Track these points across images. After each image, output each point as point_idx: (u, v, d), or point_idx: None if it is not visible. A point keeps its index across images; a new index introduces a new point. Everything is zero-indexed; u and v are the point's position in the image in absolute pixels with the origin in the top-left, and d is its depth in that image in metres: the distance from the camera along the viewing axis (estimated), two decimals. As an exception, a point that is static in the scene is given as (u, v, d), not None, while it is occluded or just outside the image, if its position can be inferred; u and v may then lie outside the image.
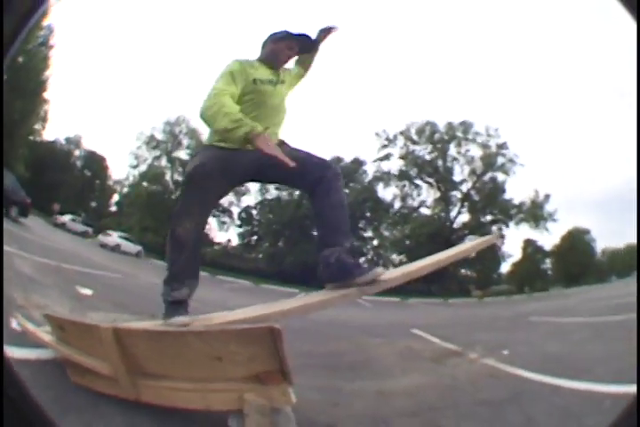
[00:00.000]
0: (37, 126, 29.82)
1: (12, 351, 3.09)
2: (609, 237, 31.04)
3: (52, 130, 34.35)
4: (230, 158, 3.50)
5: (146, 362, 2.97)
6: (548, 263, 36.32)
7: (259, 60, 3.87)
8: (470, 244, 4.34)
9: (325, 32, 4.19)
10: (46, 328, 3.67)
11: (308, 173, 3.57)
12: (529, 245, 35.62)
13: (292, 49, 3.81)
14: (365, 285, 3.30)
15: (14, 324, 3.86)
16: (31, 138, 29.96)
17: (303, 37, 3.81)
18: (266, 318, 3.06)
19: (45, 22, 25.31)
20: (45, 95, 27.52)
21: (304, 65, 4.27)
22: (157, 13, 46.41)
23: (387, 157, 37.10)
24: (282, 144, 3.69)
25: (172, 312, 3.41)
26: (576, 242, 34.52)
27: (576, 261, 32.87)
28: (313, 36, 3.93)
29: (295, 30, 3.77)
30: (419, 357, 6.19)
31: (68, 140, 35.53)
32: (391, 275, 3.53)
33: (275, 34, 3.83)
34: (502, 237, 33.22)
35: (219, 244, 36.09)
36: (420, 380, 4.77)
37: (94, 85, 39.36)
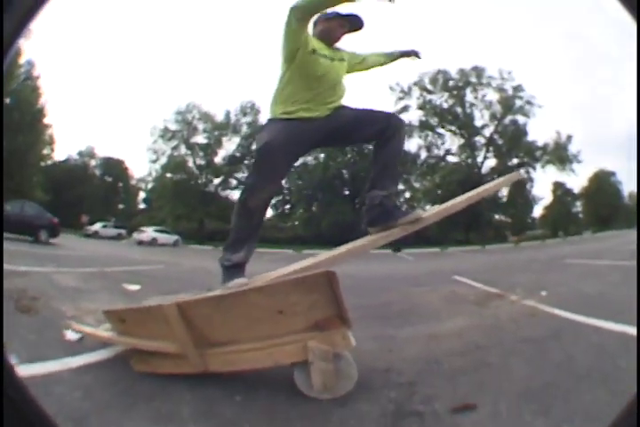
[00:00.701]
0: (46, 151, 30.92)
1: (71, 362, 3.45)
2: (633, 179, 30.53)
3: (63, 149, 34.99)
4: (296, 130, 3.63)
5: (211, 331, 3.17)
6: (578, 206, 36.20)
7: (313, 36, 3.93)
8: (494, 182, 4.47)
9: (410, 54, 4.49)
10: (104, 327, 3.87)
11: (375, 124, 3.74)
12: (558, 187, 35.48)
13: (343, 27, 3.90)
14: (407, 224, 3.55)
15: (69, 335, 4.07)
16: (43, 163, 30.96)
17: (353, 16, 3.88)
18: (317, 266, 3.24)
19: (23, 59, 26.10)
20: (45, 121, 28.50)
21: (376, 62, 4.40)
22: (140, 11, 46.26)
23: (405, 108, 37.08)
24: (342, 107, 3.84)
25: (231, 276, 3.55)
26: (603, 184, 34.32)
27: (605, 202, 32.71)
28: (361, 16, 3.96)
29: (344, 11, 3.86)
30: (463, 301, 6.38)
31: (80, 153, 36.73)
32: (428, 213, 3.75)
33: (326, 14, 3.89)
34: (526, 178, 33.13)
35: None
36: (465, 322, 4.97)
37: (93, 95, 39.77)
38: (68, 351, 3.68)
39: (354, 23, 3.93)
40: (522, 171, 34.46)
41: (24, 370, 3.05)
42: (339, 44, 4.06)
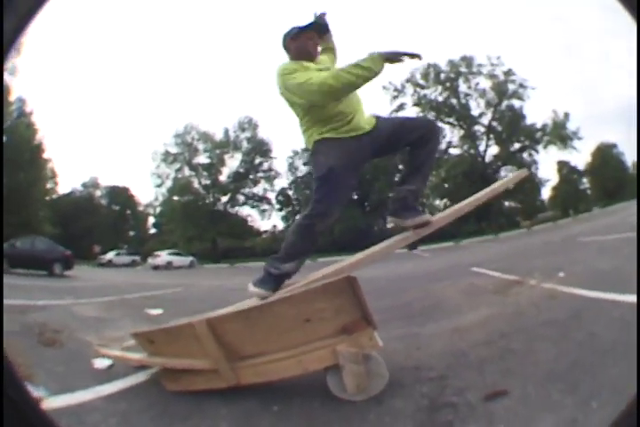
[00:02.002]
0: (50, 185, 31.04)
1: (103, 390, 3.52)
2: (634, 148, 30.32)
3: (66, 182, 35.10)
4: (352, 150, 3.65)
5: (241, 344, 3.26)
6: (585, 183, 36.10)
7: (293, 59, 3.92)
8: (501, 181, 4.53)
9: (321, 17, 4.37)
10: (132, 353, 3.94)
11: (417, 130, 3.76)
12: (563, 166, 35.36)
13: (312, 38, 3.89)
14: (416, 227, 3.67)
15: (97, 363, 4.15)
16: (48, 198, 30.98)
17: (315, 25, 3.90)
18: (340, 272, 3.32)
19: (13, 96, 26.15)
20: (45, 156, 28.62)
21: (331, 50, 4.42)
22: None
23: (401, 107, 37.01)
24: (377, 117, 3.89)
25: (264, 282, 3.59)
26: (606, 157, 34.22)
27: (610, 176, 32.55)
28: (318, 19, 4.04)
29: (302, 22, 3.84)
30: (483, 291, 6.41)
31: (84, 185, 36.76)
32: (438, 216, 3.87)
33: (288, 33, 3.90)
34: (530, 161, 33.31)
35: (265, 232, 36.44)
36: (487, 312, 5.03)
37: (89, 126, 39.99)
38: (98, 380, 3.75)
39: (319, 30, 3.97)
40: (525, 155, 34.67)
41: (55, 401, 3.13)
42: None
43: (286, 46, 3.97)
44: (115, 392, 3.52)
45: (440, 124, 36.39)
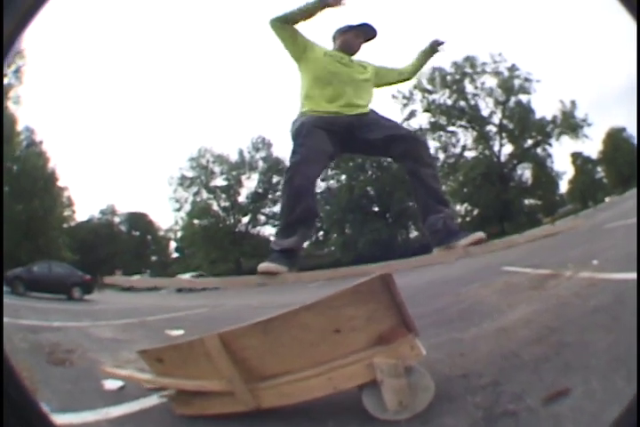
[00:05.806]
0: (67, 213, 31.24)
1: (111, 411, 3.38)
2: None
3: (84, 210, 35.50)
4: (327, 120, 3.82)
5: (260, 363, 2.96)
6: (600, 172, 35.98)
7: (335, 49, 4.31)
8: (560, 226, 4.54)
9: (435, 44, 4.58)
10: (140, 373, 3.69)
11: (398, 144, 3.85)
12: (577, 157, 35.39)
13: (358, 37, 4.28)
14: (469, 246, 3.54)
15: (108, 384, 4.01)
16: (65, 225, 31.16)
17: (365, 26, 4.26)
18: (369, 273, 3.03)
19: (20, 126, 26.59)
20: (60, 184, 28.63)
21: (414, 67, 4.59)
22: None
23: (412, 114, 37.42)
24: (372, 112, 4.04)
25: (273, 260, 3.55)
26: (617, 142, 34.01)
27: (624, 161, 32.29)
28: (373, 24, 4.30)
29: (356, 22, 4.27)
30: (519, 288, 6.26)
31: (102, 212, 36.69)
32: (495, 242, 4.00)
33: (340, 28, 4.33)
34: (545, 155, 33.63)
35: (289, 251, 36.57)
36: (529, 308, 4.86)
37: (102, 154, 40.51)
38: (107, 401, 3.63)
39: (367, 32, 4.30)
40: (539, 150, 34.82)
41: (56, 419, 2.92)
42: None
43: (334, 38, 4.40)
44: (122, 415, 3.39)
45: (452, 128, 36.72)
